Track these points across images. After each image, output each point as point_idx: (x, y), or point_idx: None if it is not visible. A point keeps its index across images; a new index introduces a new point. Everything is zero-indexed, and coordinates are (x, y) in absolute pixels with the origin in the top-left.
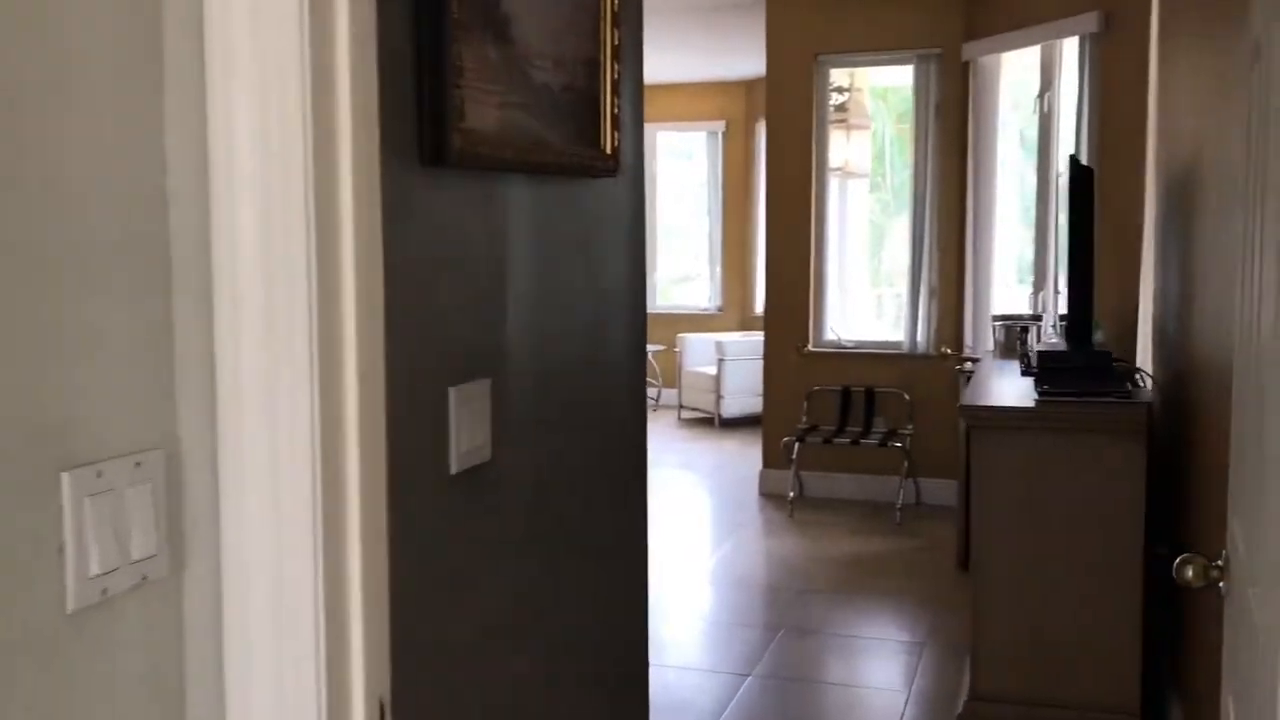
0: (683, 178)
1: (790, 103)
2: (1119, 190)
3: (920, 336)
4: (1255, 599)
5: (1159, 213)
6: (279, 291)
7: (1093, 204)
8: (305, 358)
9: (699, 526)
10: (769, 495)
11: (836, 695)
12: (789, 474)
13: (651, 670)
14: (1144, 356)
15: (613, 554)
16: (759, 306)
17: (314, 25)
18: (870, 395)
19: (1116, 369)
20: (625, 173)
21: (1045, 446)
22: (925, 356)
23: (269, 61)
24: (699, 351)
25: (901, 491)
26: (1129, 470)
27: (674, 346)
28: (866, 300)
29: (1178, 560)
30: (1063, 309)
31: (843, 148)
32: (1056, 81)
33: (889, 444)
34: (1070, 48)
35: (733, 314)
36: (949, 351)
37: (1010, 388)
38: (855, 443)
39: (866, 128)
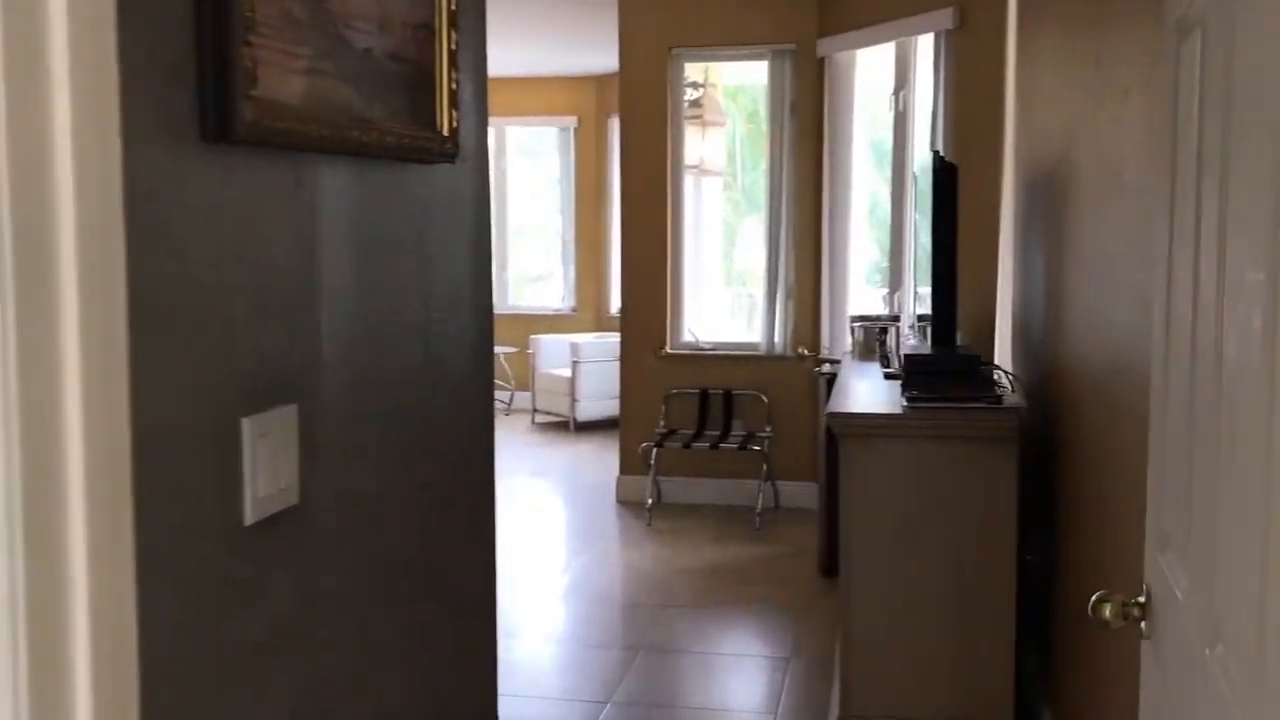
0: (534, 174)
1: (644, 98)
2: (975, 188)
3: (777, 337)
4: (1218, 661)
5: (1019, 211)
6: None
7: (956, 201)
8: None
9: (554, 538)
10: (626, 502)
11: None
12: (647, 480)
13: (502, 700)
14: (1002, 357)
15: (456, 600)
16: (614, 307)
17: None
18: (728, 398)
19: (983, 372)
20: (467, 159)
21: (915, 454)
22: (782, 358)
23: None
24: (553, 353)
25: (761, 496)
26: (1001, 477)
27: (527, 348)
28: (722, 301)
29: (1094, 598)
30: (920, 310)
31: (698, 145)
32: (912, 79)
33: (748, 447)
34: (925, 44)
35: (587, 314)
36: (806, 352)
37: (875, 392)
38: (714, 447)
39: (721, 124)
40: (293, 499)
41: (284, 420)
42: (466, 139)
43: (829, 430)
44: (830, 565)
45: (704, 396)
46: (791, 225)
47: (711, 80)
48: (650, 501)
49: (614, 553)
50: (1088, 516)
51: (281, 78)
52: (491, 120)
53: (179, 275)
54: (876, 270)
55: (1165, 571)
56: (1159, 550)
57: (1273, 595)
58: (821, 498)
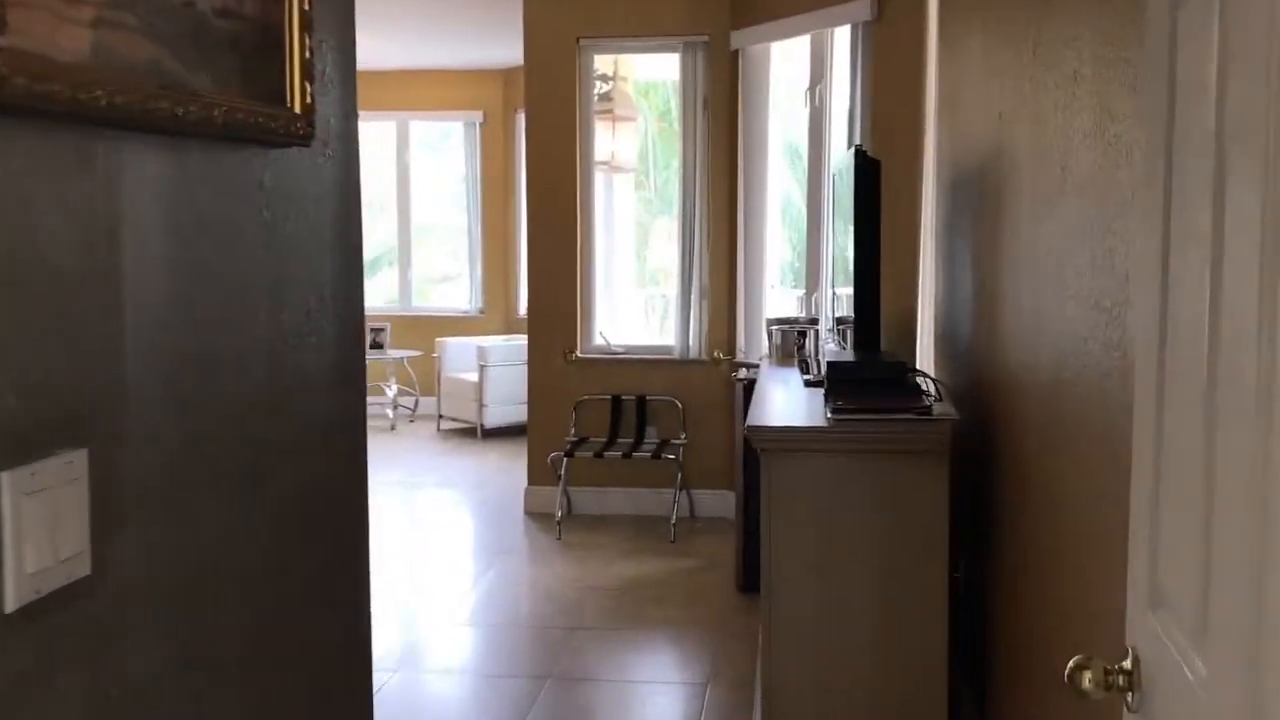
0: (439, 171)
1: (551, 91)
2: (895, 188)
3: (692, 341)
4: None
5: (943, 210)
6: None
7: (879, 198)
8: None
9: (458, 556)
10: (535, 514)
11: None
12: (557, 491)
13: None
14: (923, 362)
15: (317, 679)
16: (524, 308)
17: None
18: (641, 404)
19: (910, 380)
20: (329, 143)
21: (842, 469)
22: (697, 362)
23: None
24: (459, 357)
25: (676, 506)
26: (932, 492)
27: (432, 352)
28: (634, 303)
29: (1071, 664)
30: (839, 312)
31: (608, 140)
32: (828, 73)
33: (663, 455)
34: (843, 37)
35: (496, 316)
36: (721, 356)
37: (796, 401)
38: (627, 456)
39: (633, 119)
40: (82, 570)
41: (64, 471)
42: (328, 119)
43: (748, 442)
44: (748, 580)
45: (616, 403)
46: (705, 224)
47: (622, 73)
48: (560, 514)
49: (521, 570)
50: (1030, 537)
51: (52, 26)
52: (394, 115)
53: None
54: (790, 271)
55: (1162, 636)
56: (1150, 608)
57: None
58: (739, 507)
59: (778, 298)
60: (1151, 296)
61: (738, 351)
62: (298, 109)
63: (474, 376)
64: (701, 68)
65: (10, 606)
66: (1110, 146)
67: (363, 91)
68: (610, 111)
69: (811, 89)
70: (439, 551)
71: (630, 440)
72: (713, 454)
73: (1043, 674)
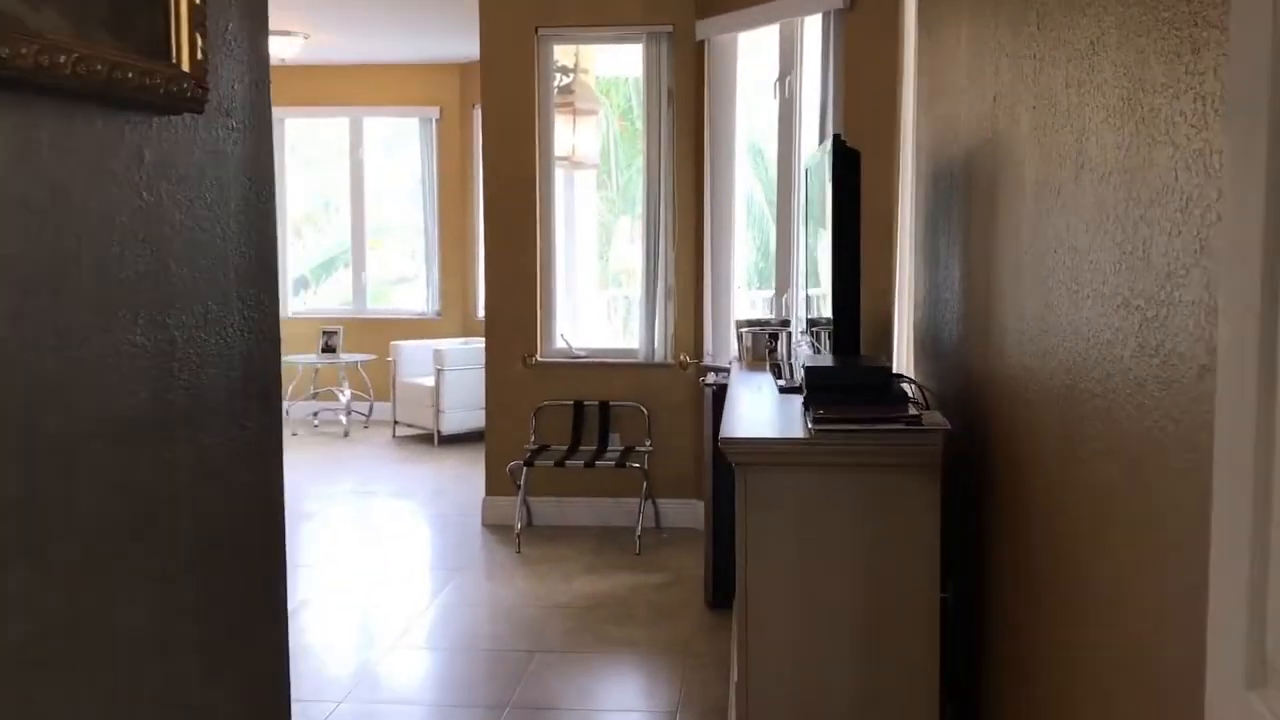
0: (394, 169)
1: (509, 83)
2: (870, 182)
3: (657, 344)
4: None
5: (923, 205)
6: None
7: (859, 192)
8: None
9: (413, 571)
10: (494, 526)
11: None
12: (516, 501)
13: None
14: (900, 366)
15: None
16: (483, 310)
17: None
18: (605, 410)
19: (896, 387)
20: (233, 115)
21: (824, 484)
22: (663, 365)
23: None
24: (415, 361)
25: (641, 516)
26: (922, 508)
27: (387, 355)
28: (597, 304)
29: None
30: (812, 313)
31: (568, 135)
32: (798, 64)
33: (627, 464)
34: (813, 26)
35: (453, 319)
36: (688, 359)
37: (772, 410)
38: (590, 464)
39: (594, 113)
40: None
41: None
42: (231, 84)
43: (720, 452)
44: (718, 597)
45: (578, 408)
46: (671, 222)
47: (583, 65)
48: (520, 526)
49: (479, 587)
50: (1036, 561)
51: None
52: (348, 111)
53: None
54: (755, 272)
55: None
56: (1249, 686)
57: None
58: (708, 518)
59: (743, 299)
60: (1250, 293)
61: (705, 354)
62: (185, 66)
63: (430, 381)
64: (665, 59)
65: None
66: (1144, 123)
67: (314, 87)
68: (570, 105)
69: (781, 81)
70: (393, 567)
71: (593, 448)
72: (679, 461)
73: (1046, 705)
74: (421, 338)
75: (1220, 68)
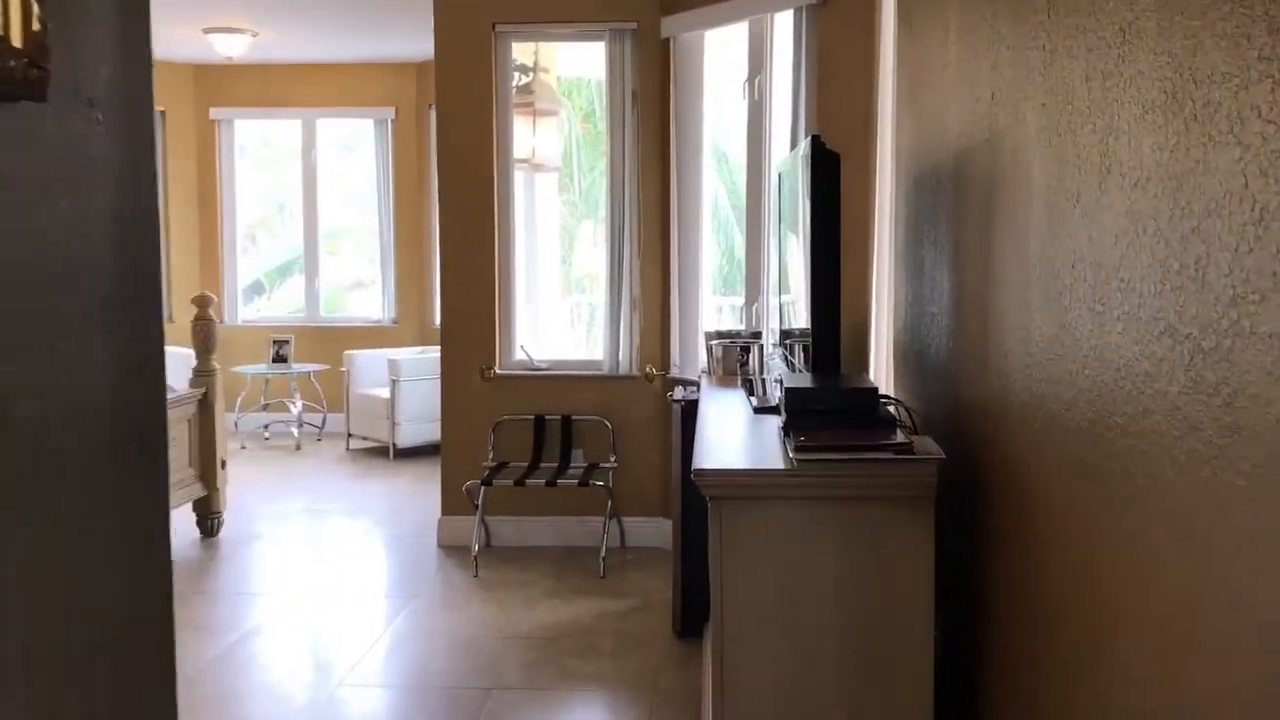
0: (349, 172)
1: (465, 82)
2: (844, 185)
3: (622, 355)
4: None
5: (905, 210)
6: None
7: (838, 196)
8: None
9: (365, 599)
10: (450, 548)
11: None
12: (473, 521)
13: None
14: (879, 381)
15: None
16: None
17: None
18: (567, 424)
19: (883, 410)
20: (96, 106)
21: (808, 519)
22: (628, 378)
23: None
24: (369, 371)
25: (605, 536)
26: (916, 545)
27: (340, 365)
28: (559, 311)
29: None
30: (784, 324)
31: (528, 136)
32: (768, 63)
33: (590, 483)
34: (784, 22)
35: (410, 327)
36: (655, 372)
37: (747, 433)
38: (551, 483)
39: (555, 113)
40: None
41: None
42: (96, 69)
43: (688, 474)
44: (686, 624)
45: (539, 423)
46: (635, 228)
47: (543, 64)
48: (477, 548)
49: (434, 617)
50: (1055, 614)
51: None
52: (299, 112)
53: None
54: (720, 277)
55: None
56: None
57: None
58: (676, 538)
59: (709, 305)
60: None
61: (672, 367)
62: (16, 40)
63: (385, 392)
64: (629, 58)
65: None
66: (1196, 120)
67: (265, 87)
68: (530, 105)
69: (750, 81)
70: (344, 593)
71: (555, 465)
72: (646, 478)
73: None
74: (377, 346)
75: None
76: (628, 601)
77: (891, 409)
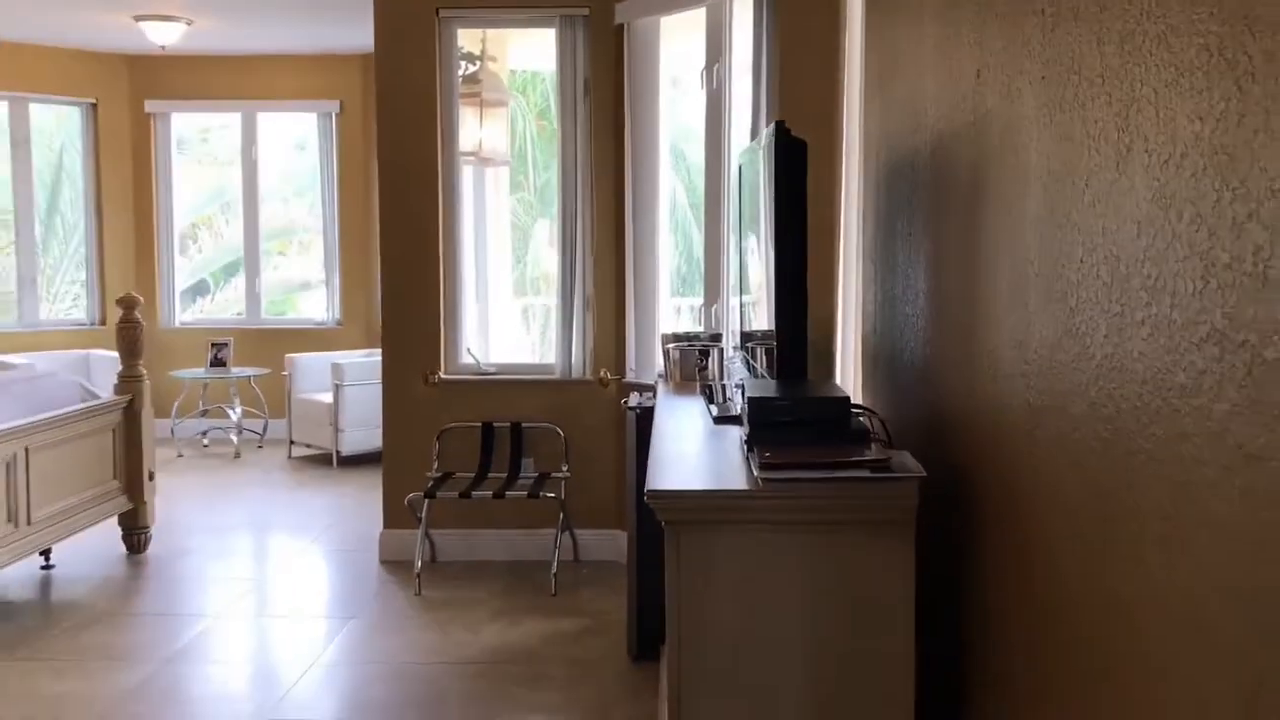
0: (292, 167)
1: (407, 71)
2: (809, 176)
3: (575, 358)
4: None
5: (875, 201)
6: None
7: (805, 187)
8: None
9: (300, 622)
10: (392, 563)
11: None
12: (417, 536)
13: None
14: (846, 386)
15: None
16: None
17: None
18: (517, 432)
19: (856, 422)
20: None
21: (775, 546)
22: (581, 382)
23: None
24: (312, 374)
25: (557, 550)
26: (894, 573)
27: (283, 369)
28: (512, 312)
29: None
30: (745, 325)
31: (475, 128)
32: (727, 49)
33: (541, 494)
34: (743, 7)
35: (355, 329)
36: (609, 376)
37: (706, 447)
38: (500, 495)
39: (503, 104)
40: None
41: None
42: None
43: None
44: (643, 647)
45: (487, 431)
46: (589, 225)
47: (491, 52)
48: (420, 564)
49: (372, 641)
50: (1061, 662)
51: None
52: (239, 106)
53: None
54: (678, 277)
55: None
56: None
57: None
58: (631, 550)
59: (667, 307)
60: None
61: (628, 371)
62: None
63: (328, 397)
64: (581, 45)
65: None
66: (1254, 79)
67: (204, 79)
68: (477, 95)
69: (708, 69)
70: (275, 615)
71: (503, 475)
72: (600, 488)
73: None
74: (322, 349)
75: None
76: (580, 621)
77: (864, 420)
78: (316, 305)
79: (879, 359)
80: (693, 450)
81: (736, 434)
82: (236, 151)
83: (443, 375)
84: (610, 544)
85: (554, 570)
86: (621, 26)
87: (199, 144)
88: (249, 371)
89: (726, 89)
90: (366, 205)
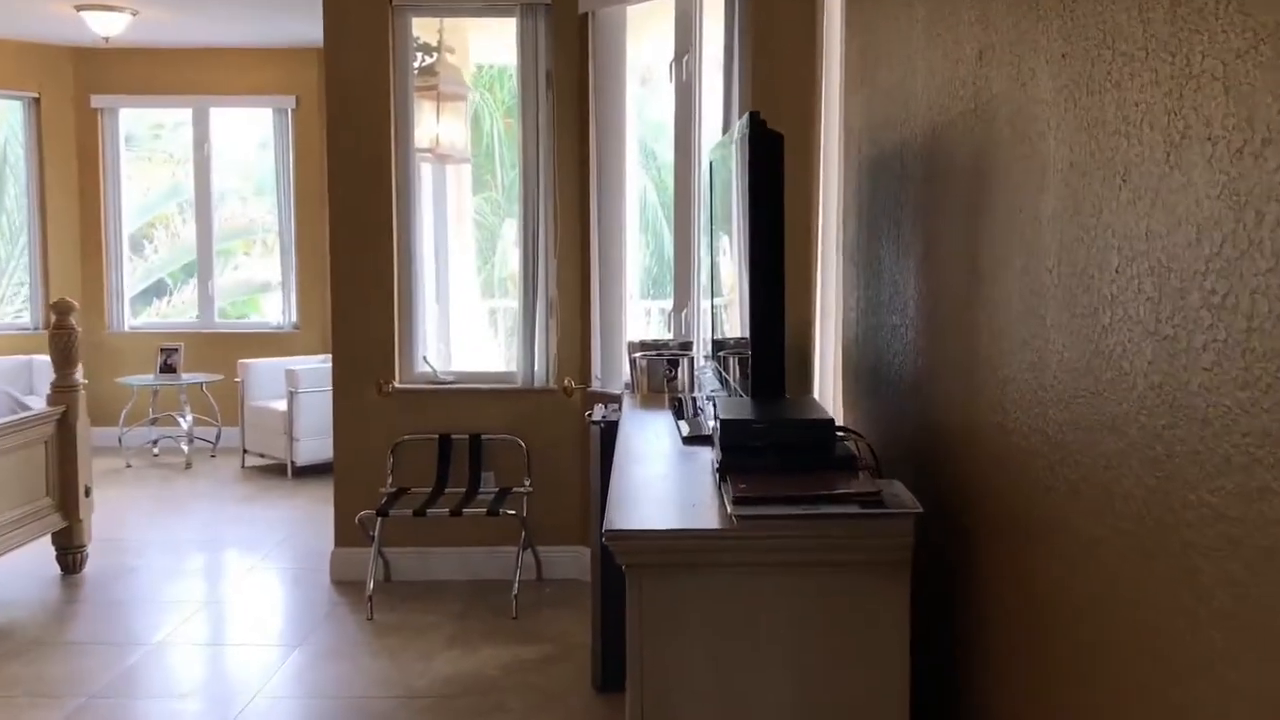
0: (247, 165)
1: (359, 63)
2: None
3: (537, 366)
4: None
5: (856, 199)
6: None
7: (781, 183)
8: None
9: (242, 649)
10: (344, 584)
11: None
12: (369, 555)
13: None
14: (825, 401)
15: None
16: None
17: None
18: (476, 444)
19: (842, 447)
20: None
21: (752, 593)
22: (544, 392)
23: None
24: (266, 381)
25: (519, 569)
26: (887, 621)
27: (235, 375)
28: (478, 316)
29: None
30: (718, 332)
31: (431, 123)
32: (697, 40)
33: (501, 512)
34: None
35: (313, 333)
36: (573, 385)
37: (674, 473)
38: (457, 512)
39: (462, 98)
40: None
41: None
42: None
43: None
44: (608, 677)
45: (444, 444)
46: (552, 224)
47: (449, 44)
48: (373, 585)
49: (318, 672)
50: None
51: None
52: (192, 100)
53: None
54: (648, 278)
55: None
56: None
57: None
58: (595, 569)
59: (636, 310)
60: None
61: (593, 380)
62: None
63: (283, 405)
64: (544, 36)
65: None
66: None
67: (152, 73)
68: (433, 88)
69: (677, 61)
70: (216, 643)
71: (462, 490)
72: (564, 503)
73: None
74: (277, 354)
75: None
76: (541, 648)
77: (850, 444)
78: (267, 308)
79: (860, 373)
80: (659, 474)
81: (707, 457)
82: (179, 149)
83: (397, 384)
84: (575, 561)
85: (515, 591)
86: (586, 16)
87: (150, 140)
88: (200, 378)
89: (696, 82)
90: (322, 204)
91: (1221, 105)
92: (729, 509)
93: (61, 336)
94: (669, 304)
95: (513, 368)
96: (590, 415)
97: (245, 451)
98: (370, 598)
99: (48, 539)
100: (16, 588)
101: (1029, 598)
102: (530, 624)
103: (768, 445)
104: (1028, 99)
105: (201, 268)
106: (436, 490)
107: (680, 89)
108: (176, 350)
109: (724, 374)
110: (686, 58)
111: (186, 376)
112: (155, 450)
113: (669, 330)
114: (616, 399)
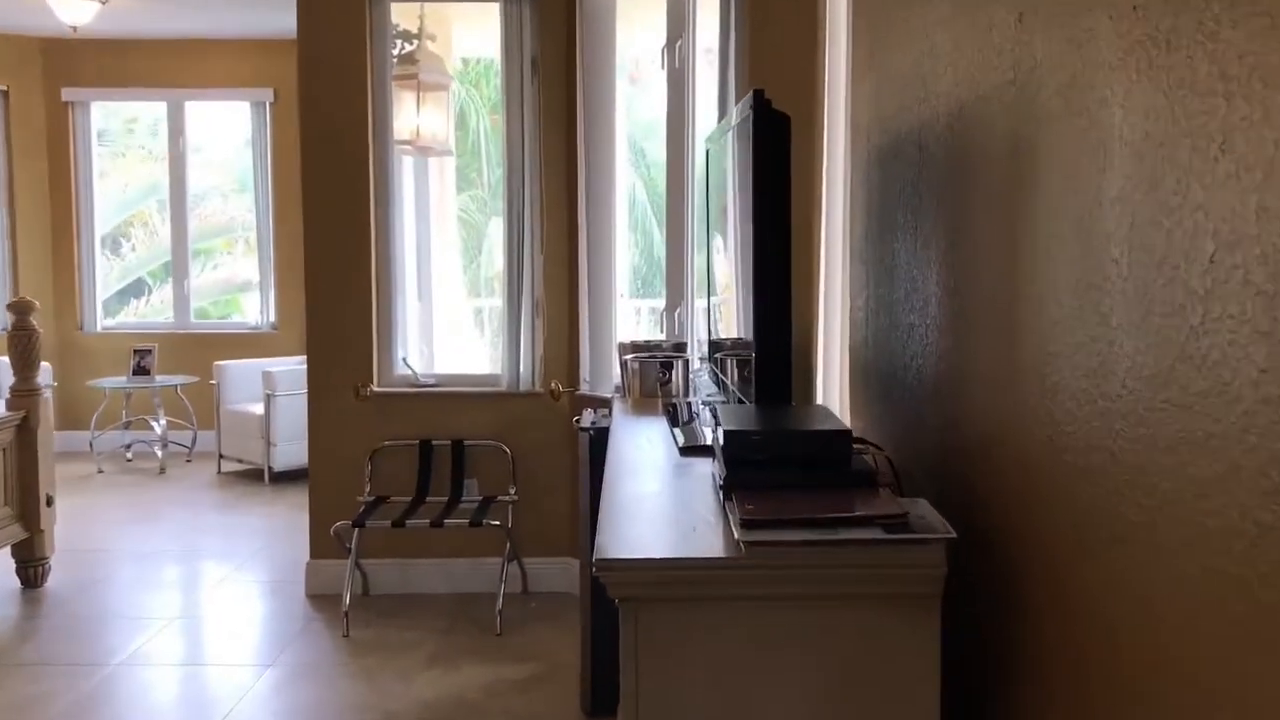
0: (224, 160)
1: (335, 49)
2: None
3: (523, 368)
4: None
5: (865, 190)
6: None
7: (788, 170)
8: None
9: (210, 669)
10: (320, 597)
11: None
12: (346, 568)
13: None
14: (831, 407)
15: None
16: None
17: None
18: (459, 451)
19: (860, 462)
20: None
21: (762, 629)
22: (531, 395)
23: None
24: (243, 384)
25: (504, 583)
26: (915, 661)
27: (211, 378)
28: (463, 315)
29: None
30: (714, 333)
31: (412, 114)
32: (691, 24)
33: (485, 523)
34: None
35: (291, 334)
36: (560, 388)
37: (670, 489)
38: (438, 524)
39: (444, 87)
40: None
41: None
42: None
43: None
44: (597, 700)
45: (425, 451)
46: (537, 218)
47: (430, 30)
48: (349, 600)
49: (287, 693)
50: None
51: None
52: (167, 94)
53: None
54: (638, 276)
55: None
56: None
57: None
58: (585, 585)
59: (625, 309)
60: None
61: (582, 383)
62: None
63: (259, 408)
64: (529, 21)
65: None
66: None
67: (125, 65)
68: (414, 76)
69: (670, 46)
70: (183, 662)
71: (444, 499)
72: (550, 513)
73: None
74: (255, 356)
75: None
76: (527, 667)
77: (867, 458)
78: (245, 308)
79: (871, 376)
80: (654, 491)
81: (706, 469)
82: (154, 143)
83: (375, 388)
84: (562, 574)
85: (499, 606)
86: (574, 1)
87: (125, 135)
88: (175, 380)
89: (690, 68)
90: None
91: None
92: (735, 534)
93: (21, 338)
94: (660, 303)
95: (497, 370)
96: (579, 421)
97: (221, 456)
98: (346, 613)
99: (7, 551)
100: None
101: (1090, 637)
102: (515, 641)
103: (776, 459)
104: (1084, 64)
105: (177, 267)
106: (417, 499)
107: (673, 76)
108: (150, 352)
109: (722, 377)
110: (680, 43)
111: (160, 379)
112: (128, 455)
113: (661, 330)
114: (606, 402)
